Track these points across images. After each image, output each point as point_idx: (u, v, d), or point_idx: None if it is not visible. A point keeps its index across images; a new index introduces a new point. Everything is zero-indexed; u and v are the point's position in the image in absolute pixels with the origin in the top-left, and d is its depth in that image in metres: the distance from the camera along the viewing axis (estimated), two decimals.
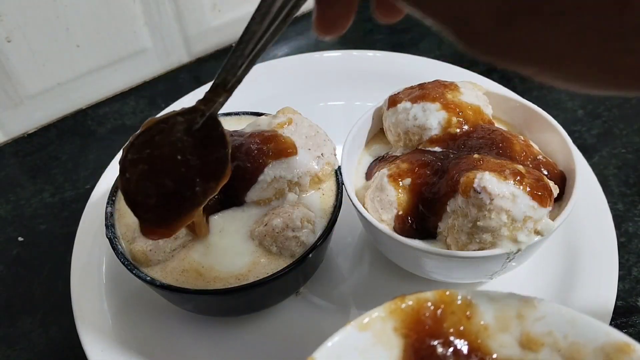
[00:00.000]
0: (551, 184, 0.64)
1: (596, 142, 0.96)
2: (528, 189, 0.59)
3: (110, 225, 0.68)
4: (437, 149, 0.71)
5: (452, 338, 0.46)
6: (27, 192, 0.96)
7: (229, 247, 0.67)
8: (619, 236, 0.76)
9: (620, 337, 0.43)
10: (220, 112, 0.81)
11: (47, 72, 1.02)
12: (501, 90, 0.91)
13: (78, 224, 0.81)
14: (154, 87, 1.14)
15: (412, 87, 0.76)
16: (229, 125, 0.77)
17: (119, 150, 0.89)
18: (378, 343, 0.45)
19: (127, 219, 0.70)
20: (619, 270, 0.71)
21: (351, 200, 0.69)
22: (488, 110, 0.74)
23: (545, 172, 0.67)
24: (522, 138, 0.71)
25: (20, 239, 0.89)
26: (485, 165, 0.62)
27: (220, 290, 0.63)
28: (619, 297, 0.70)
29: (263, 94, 0.99)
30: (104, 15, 1.02)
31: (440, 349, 0.46)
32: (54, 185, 0.97)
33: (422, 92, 0.73)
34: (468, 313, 0.46)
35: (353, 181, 0.74)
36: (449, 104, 0.71)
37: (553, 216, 0.64)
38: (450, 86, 0.74)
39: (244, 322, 0.73)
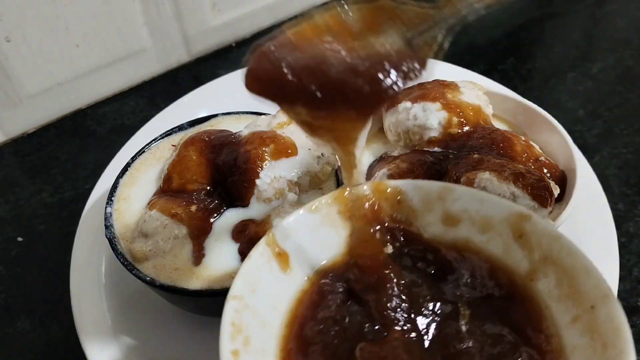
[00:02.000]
0: (552, 184, 0.64)
1: (597, 142, 0.96)
2: (528, 189, 0.59)
3: (109, 225, 0.68)
4: (437, 149, 0.71)
5: (387, 222, 0.55)
6: (26, 192, 0.96)
7: (225, 245, 0.67)
8: (619, 236, 0.76)
9: (519, 208, 0.52)
10: (220, 111, 0.81)
11: (47, 72, 1.02)
12: (501, 90, 0.91)
13: (78, 224, 0.81)
14: (154, 86, 1.14)
15: (410, 88, 0.76)
16: (228, 125, 0.77)
17: (118, 150, 0.89)
18: (326, 223, 0.55)
19: (126, 219, 0.70)
20: (620, 270, 0.71)
21: None
22: (488, 110, 0.74)
23: (547, 173, 0.67)
24: (523, 138, 0.71)
25: (19, 239, 0.89)
26: (485, 165, 0.62)
27: (220, 290, 0.62)
28: (619, 297, 0.70)
29: None
30: (104, 15, 1.02)
31: (378, 235, 0.55)
32: (53, 185, 0.97)
33: (423, 92, 0.73)
34: (398, 198, 0.56)
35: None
36: (449, 103, 0.71)
37: (554, 216, 0.64)
38: (451, 86, 0.74)
39: None
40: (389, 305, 0.50)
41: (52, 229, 0.90)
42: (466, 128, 0.71)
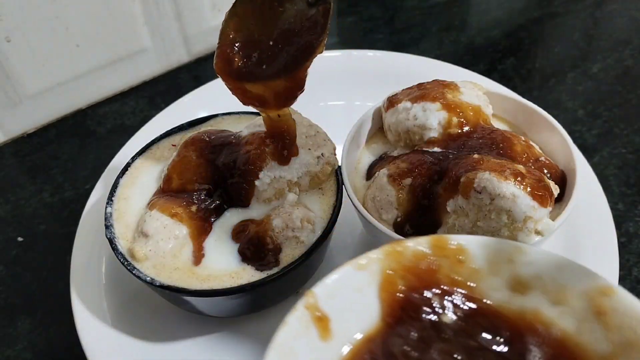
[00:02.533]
0: (552, 184, 0.64)
1: (597, 142, 0.96)
2: (528, 189, 0.59)
3: (110, 225, 0.68)
4: (437, 149, 0.71)
5: (445, 287, 0.48)
6: (26, 192, 0.96)
7: (225, 246, 0.67)
8: (619, 236, 0.76)
9: (603, 281, 0.45)
10: (220, 111, 0.81)
11: (47, 72, 1.02)
12: (501, 90, 0.91)
13: (78, 224, 0.81)
14: (154, 86, 1.14)
15: (410, 88, 0.76)
16: (228, 124, 0.77)
17: (118, 150, 0.89)
18: (374, 283, 0.48)
19: (126, 219, 0.70)
20: (619, 270, 0.71)
21: (351, 200, 0.69)
22: (488, 110, 0.74)
23: (547, 173, 0.67)
24: (523, 139, 0.71)
25: (20, 239, 0.89)
26: (485, 165, 0.62)
27: (220, 290, 0.63)
28: None
29: None
30: (104, 15, 1.02)
31: (434, 301, 0.48)
32: (53, 185, 0.97)
33: (422, 92, 0.73)
34: (460, 257, 0.48)
35: (353, 181, 0.74)
36: (449, 103, 0.71)
37: (553, 216, 0.64)
38: (451, 86, 0.74)
39: (244, 322, 0.73)
40: None
41: (52, 229, 0.90)
42: (466, 128, 0.71)
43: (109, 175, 0.85)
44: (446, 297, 0.47)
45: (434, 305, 0.47)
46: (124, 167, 0.75)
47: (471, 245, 0.48)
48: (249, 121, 0.77)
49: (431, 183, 0.66)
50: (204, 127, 0.79)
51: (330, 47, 1.19)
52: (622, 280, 0.76)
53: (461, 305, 0.47)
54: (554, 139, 0.73)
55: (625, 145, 0.95)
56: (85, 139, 1.05)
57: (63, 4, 0.97)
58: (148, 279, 0.63)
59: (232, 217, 0.69)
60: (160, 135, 0.79)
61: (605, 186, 0.82)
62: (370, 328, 0.48)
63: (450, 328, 0.46)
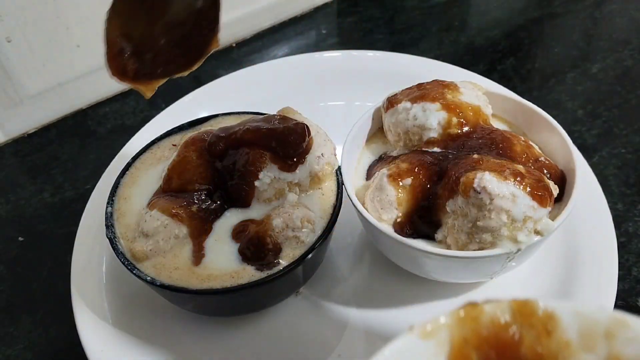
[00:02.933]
0: (551, 184, 0.64)
1: (596, 142, 0.96)
2: (528, 189, 0.59)
3: (110, 225, 0.68)
4: (437, 149, 0.71)
5: (524, 354, 0.40)
6: (27, 192, 0.96)
7: (225, 246, 0.67)
8: (619, 236, 0.76)
9: None
10: (220, 111, 0.81)
11: (47, 72, 1.02)
12: (501, 90, 0.91)
13: (78, 224, 0.81)
14: None
15: (410, 88, 0.76)
16: (227, 125, 0.77)
17: (119, 151, 0.89)
18: (441, 354, 0.40)
19: (127, 219, 0.70)
20: (619, 270, 0.71)
21: (351, 200, 0.69)
22: (488, 110, 0.74)
23: (547, 174, 0.67)
24: (523, 139, 0.71)
25: (20, 239, 0.89)
26: (485, 165, 0.62)
27: (220, 290, 0.63)
28: (619, 297, 0.70)
29: (263, 94, 0.99)
30: (104, 15, 1.02)
31: None
32: (54, 185, 0.97)
33: (422, 92, 0.73)
34: (549, 327, 0.41)
35: (353, 181, 0.74)
36: (449, 104, 0.71)
37: (553, 216, 0.64)
38: (450, 86, 0.74)
39: (244, 322, 0.73)
40: None
41: (52, 229, 0.90)
42: (466, 128, 0.71)
43: (109, 175, 0.85)
44: None
45: None
46: (125, 167, 0.75)
47: (562, 313, 0.41)
48: None
49: (431, 183, 0.66)
50: (204, 127, 0.79)
51: (330, 47, 1.19)
52: (622, 280, 0.76)
53: None
54: (553, 139, 0.73)
55: (624, 145, 0.95)
56: (85, 139, 1.05)
57: (63, 4, 0.97)
58: (148, 278, 0.63)
59: (232, 217, 0.69)
60: (161, 135, 0.79)
61: (605, 186, 0.82)
62: None
63: None
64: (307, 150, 0.69)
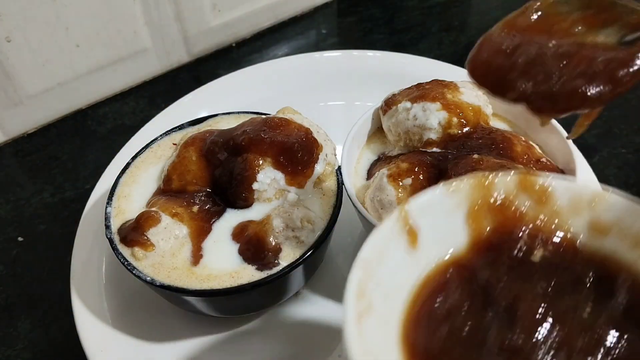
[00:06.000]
0: None
1: (596, 142, 0.96)
2: None
3: (110, 225, 0.68)
4: (437, 149, 0.71)
5: (532, 226, 0.50)
6: (27, 192, 0.96)
7: (224, 246, 0.67)
8: None
9: None
10: (220, 111, 0.81)
11: (47, 72, 1.02)
12: None
13: (78, 224, 0.81)
14: (154, 87, 1.14)
15: (409, 88, 0.76)
16: (228, 124, 0.77)
17: (119, 150, 0.89)
18: (461, 208, 0.50)
19: (127, 218, 0.70)
20: None
21: (351, 200, 0.69)
22: (488, 110, 0.74)
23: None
24: (523, 139, 0.71)
25: (20, 239, 0.89)
26: (485, 165, 0.62)
27: (220, 290, 0.63)
28: None
29: (263, 94, 0.99)
30: (104, 15, 1.02)
31: (522, 239, 0.49)
32: (54, 185, 0.97)
33: (422, 92, 0.73)
34: (544, 198, 0.50)
35: (353, 181, 0.74)
36: (449, 103, 0.71)
37: None
38: (450, 86, 0.74)
39: (244, 322, 0.73)
40: (531, 323, 0.44)
41: (52, 229, 0.90)
42: (466, 128, 0.71)
43: (109, 175, 0.85)
44: (533, 236, 0.49)
45: (521, 244, 0.49)
46: (125, 165, 0.75)
47: (555, 187, 0.50)
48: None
49: (431, 183, 0.66)
50: (204, 127, 0.79)
51: (330, 47, 1.19)
52: None
53: (548, 244, 0.49)
54: (553, 139, 0.73)
55: (625, 145, 0.95)
56: (85, 139, 1.05)
57: (63, 4, 0.97)
58: (148, 278, 0.63)
59: (232, 218, 0.69)
60: (161, 134, 0.79)
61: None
62: (457, 251, 0.50)
63: (538, 265, 0.48)
64: (315, 159, 0.70)
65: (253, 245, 0.66)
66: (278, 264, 0.65)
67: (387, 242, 0.47)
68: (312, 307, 0.74)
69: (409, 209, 0.48)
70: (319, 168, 0.70)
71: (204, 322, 0.73)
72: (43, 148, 1.04)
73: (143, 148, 0.77)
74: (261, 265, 0.65)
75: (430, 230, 0.49)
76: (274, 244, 0.65)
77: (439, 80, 0.75)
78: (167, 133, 0.79)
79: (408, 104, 0.72)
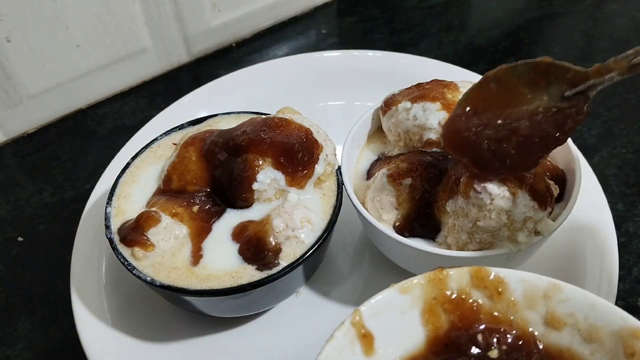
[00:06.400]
0: (552, 184, 0.64)
1: (596, 142, 0.96)
2: (528, 189, 0.59)
3: (110, 225, 0.68)
4: (437, 149, 0.71)
5: (488, 323, 0.50)
6: (27, 192, 0.96)
7: (224, 246, 0.67)
8: (619, 236, 0.76)
9: (635, 323, 0.46)
10: (220, 111, 0.81)
11: (47, 72, 1.02)
12: None
13: (78, 224, 0.81)
14: (154, 87, 1.14)
15: (409, 88, 0.76)
16: (227, 124, 0.77)
17: (119, 150, 0.89)
18: (416, 307, 0.50)
19: (127, 218, 0.70)
20: (619, 270, 0.71)
21: (351, 200, 0.69)
22: None
23: (547, 174, 0.67)
24: None
25: (20, 239, 0.89)
26: None
27: (220, 290, 0.63)
28: (619, 297, 0.70)
29: (263, 94, 0.99)
30: (104, 15, 1.02)
31: (478, 335, 0.49)
32: (53, 185, 0.97)
33: (422, 92, 0.73)
34: (500, 289, 0.50)
35: (353, 181, 0.74)
36: (449, 103, 0.71)
37: (553, 216, 0.64)
38: (450, 86, 0.74)
39: (244, 322, 0.73)
40: None
41: (52, 229, 0.90)
42: None
43: (109, 175, 0.85)
44: (490, 333, 0.50)
45: (479, 340, 0.49)
46: (125, 165, 0.75)
47: (509, 278, 0.50)
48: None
49: (431, 183, 0.66)
50: (204, 127, 0.79)
51: (330, 47, 1.19)
52: (622, 280, 0.76)
53: (505, 340, 0.49)
54: None
55: (625, 145, 0.95)
56: (85, 139, 1.05)
57: (63, 4, 0.97)
58: (148, 278, 0.63)
59: (232, 218, 0.69)
60: (161, 134, 0.79)
61: (605, 186, 0.82)
62: (414, 351, 0.50)
63: None
64: (315, 160, 0.70)
65: (253, 245, 0.66)
66: (278, 264, 0.65)
67: (341, 353, 0.46)
68: (312, 307, 0.74)
69: (363, 311, 0.48)
70: (319, 169, 0.70)
71: (204, 322, 0.73)
72: (43, 148, 1.04)
73: (143, 148, 0.77)
74: (261, 265, 0.65)
75: (386, 332, 0.49)
76: (274, 244, 0.65)
77: (439, 80, 0.75)
78: (167, 133, 0.79)
79: (408, 104, 0.72)
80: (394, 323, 0.49)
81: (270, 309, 0.74)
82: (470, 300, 0.50)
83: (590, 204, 0.77)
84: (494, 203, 0.59)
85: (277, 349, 0.71)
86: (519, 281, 0.50)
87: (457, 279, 0.50)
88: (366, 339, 0.48)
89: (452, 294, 0.50)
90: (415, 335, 0.50)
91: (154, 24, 1.08)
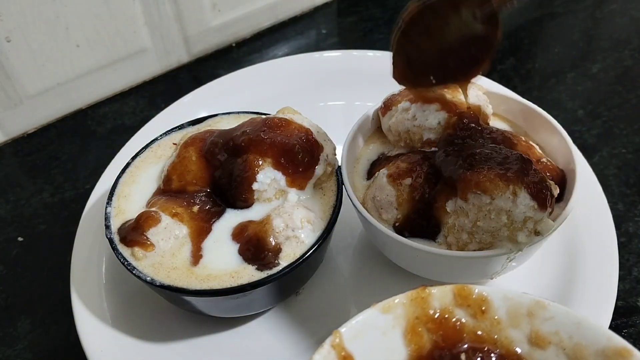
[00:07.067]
0: (552, 184, 0.64)
1: (596, 142, 0.96)
2: (529, 190, 0.59)
3: (110, 225, 0.68)
4: (436, 149, 0.71)
5: (471, 342, 0.49)
6: (27, 192, 0.96)
7: (224, 246, 0.67)
8: (619, 236, 0.76)
9: (620, 342, 0.46)
10: (220, 111, 0.81)
11: (47, 72, 1.02)
12: (501, 90, 0.91)
13: (78, 224, 0.81)
14: (154, 87, 1.14)
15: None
16: (227, 124, 0.77)
17: (119, 150, 0.89)
18: (398, 327, 0.49)
19: (127, 218, 0.69)
20: (619, 270, 0.71)
21: (351, 200, 0.69)
22: (488, 110, 0.74)
23: (547, 175, 0.67)
24: (524, 139, 0.71)
25: (20, 239, 0.89)
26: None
27: (220, 290, 0.63)
28: (619, 297, 0.70)
29: (263, 94, 0.99)
30: (104, 15, 1.02)
31: (461, 355, 0.49)
32: (53, 185, 0.97)
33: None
34: (483, 308, 0.49)
35: (353, 181, 0.74)
36: (448, 103, 0.71)
37: (553, 216, 0.64)
38: (450, 86, 0.74)
39: (244, 322, 0.73)
40: None
41: (52, 229, 0.90)
42: None
43: (109, 175, 0.85)
44: (474, 352, 0.49)
45: (462, 359, 0.49)
46: (125, 165, 0.75)
47: (493, 297, 0.50)
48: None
49: (431, 183, 0.66)
50: (204, 127, 0.79)
51: (330, 47, 1.19)
52: (622, 280, 0.76)
53: (489, 359, 0.49)
54: (554, 139, 0.73)
55: (625, 145, 0.95)
56: (85, 139, 1.05)
57: (63, 4, 0.97)
58: (148, 278, 0.63)
59: (232, 218, 0.69)
60: (161, 134, 0.79)
61: (605, 186, 0.82)
62: None
63: None
64: (315, 161, 0.70)
65: (253, 245, 0.66)
66: (278, 264, 0.65)
67: None
68: (312, 307, 0.74)
69: (343, 332, 0.47)
70: (319, 169, 0.70)
71: (204, 322, 0.73)
72: (43, 148, 1.04)
73: (143, 148, 0.77)
74: (261, 265, 0.65)
75: (367, 353, 0.48)
76: (274, 244, 0.65)
77: None
78: (167, 133, 0.79)
79: (407, 104, 0.72)
80: (375, 344, 0.48)
81: (270, 309, 0.74)
82: (454, 319, 0.50)
83: (590, 204, 0.77)
84: (494, 203, 0.59)
85: (277, 349, 0.71)
86: (502, 299, 0.50)
87: (439, 298, 0.50)
88: None
89: (434, 313, 0.50)
90: (398, 356, 0.49)
91: (154, 24, 1.08)
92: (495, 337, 0.49)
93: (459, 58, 0.66)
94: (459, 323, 0.50)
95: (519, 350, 0.49)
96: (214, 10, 1.14)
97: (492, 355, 0.49)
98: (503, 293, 0.50)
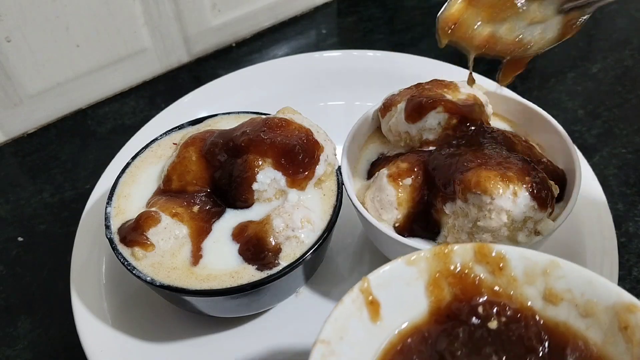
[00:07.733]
0: (552, 184, 0.64)
1: (596, 142, 0.96)
2: (529, 190, 0.59)
3: (110, 225, 0.68)
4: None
5: (488, 296, 0.52)
6: (27, 192, 0.96)
7: (224, 246, 0.67)
8: (619, 236, 0.76)
9: (629, 298, 0.48)
10: (220, 111, 0.81)
11: (47, 72, 1.02)
12: (501, 90, 0.91)
13: (78, 224, 0.81)
14: (154, 87, 1.14)
15: (409, 88, 0.76)
16: (227, 124, 0.77)
17: (118, 150, 0.89)
18: (421, 279, 0.52)
19: (127, 218, 0.69)
20: (619, 270, 0.71)
21: (351, 200, 0.69)
22: (488, 110, 0.74)
23: (547, 174, 0.67)
24: (524, 139, 0.71)
25: (20, 239, 0.89)
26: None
27: (220, 290, 0.63)
28: None
29: (263, 94, 0.99)
30: (104, 15, 1.02)
31: (479, 307, 0.51)
32: (53, 185, 0.97)
33: (422, 92, 0.73)
34: (501, 265, 0.52)
35: (353, 181, 0.74)
36: (448, 104, 0.71)
37: (553, 216, 0.64)
38: (450, 86, 0.74)
39: (244, 322, 0.73)
40: None
41: (52, 229, 0.90)
42: None
43: (109, 175, 0.85)
44: (490, 305, 0.51)
45: (479, 311, 0.51)
46: (125, 165, 0.75)
47: (511, 255, 0.52)
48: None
49: (431, 183, 0.66)
50: (204, 127, 0.79)
51: (330, 47, 1.19)
52: (622, 280, 0.76)
53: (504, 313, 0.51)
54: (554, 139, 0.73)
55: (625, 145, 0.95)
56: (85, 139, 1.05)
57: (63, 4, 0.97)
58: (148, 278, 0.63)
59: (232, 218, 0.69)
60: (161, 134, 0.79)
61: (605, 186, 0.82)
62: (417, 320, 0.52)
63: (494, 332, 0.50)
64: (316, 161, 0.70)
65: (253, 245, 0.66)
66: (278, 264, 0.65)
67: (348, 318, 0.49)
68: (312, 307, 0.74)
69: (371, 279, 0.51)
70: (320, 170, 0.70)
71: (204, 322, 0.73)
72: (43, 148, 1.04)
73: (143, 148, 0.77)
74: (261, 265, 0.65)
75: (392, 301, 0.51)
76: (274, 244, 0.65)
77: (439, 80, 0.75)
78: (167, 133, 0.79)
79: None
80: (399, 293, 0.51)
81: (270, 309, 0.74)
82: (473, 275, 0.52)
83: (590, 204, 0.77)
84: (494, 203, 0.59)
85: (277, 349, 0.71)
86: (519, 258, 0.52)
87: (461, 254, 0.52)
88: (373, 306, 0.51)
89: (455, 269, 0.52)
90: (419, 305, 0.52)
91: (154, 24, 1.08)
92: (512, 293, 0.52)
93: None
94: (477, 279, 0.52)
95: (533, 306, 0.51)
96: (214, 10, 1.14)
97: (508, 309, 0.51)
98: (520, 252, 0.52)
